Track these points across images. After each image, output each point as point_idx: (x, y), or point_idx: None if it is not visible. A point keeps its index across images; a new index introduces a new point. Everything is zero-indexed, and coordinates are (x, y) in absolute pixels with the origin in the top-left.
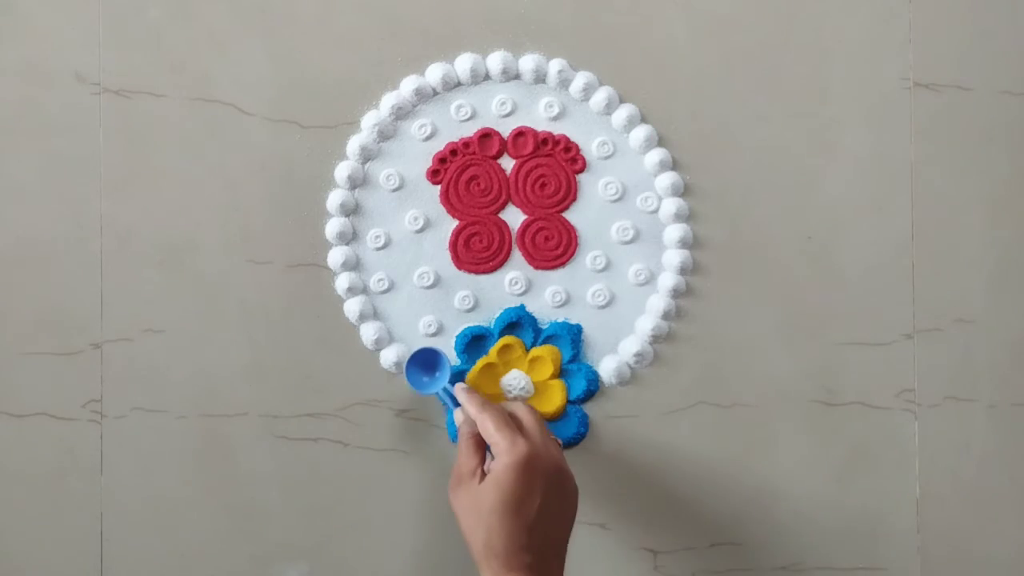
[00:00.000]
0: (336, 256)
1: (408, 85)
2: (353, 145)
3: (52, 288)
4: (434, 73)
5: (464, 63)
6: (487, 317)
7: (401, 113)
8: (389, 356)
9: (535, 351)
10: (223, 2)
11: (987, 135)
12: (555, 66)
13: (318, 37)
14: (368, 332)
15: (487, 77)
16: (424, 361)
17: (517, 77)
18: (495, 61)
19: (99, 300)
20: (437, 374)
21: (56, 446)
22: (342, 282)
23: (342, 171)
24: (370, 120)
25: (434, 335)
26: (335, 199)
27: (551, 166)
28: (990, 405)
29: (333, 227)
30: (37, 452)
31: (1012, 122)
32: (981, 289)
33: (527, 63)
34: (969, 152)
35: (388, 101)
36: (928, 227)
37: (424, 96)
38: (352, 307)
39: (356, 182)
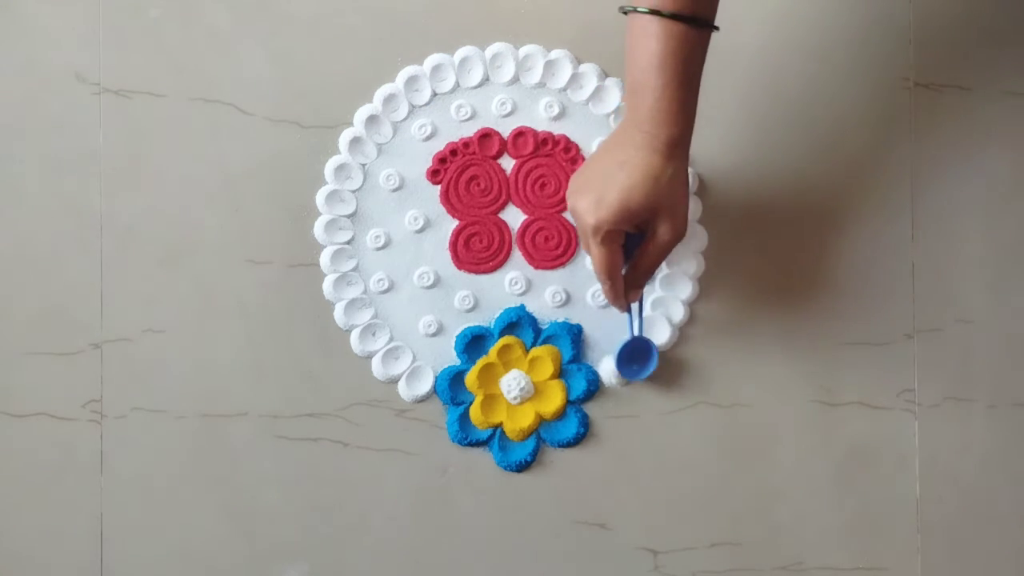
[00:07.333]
0: (326, 256)
1: (408, 84)
2: (353, 145)
3: (52, 288)
4: (434, 72)
5: (464, 63)
6: (487, 317)
7: (401, 113)
8: (377, 364)
9: (535, 351)
10: (223, 2)
11: (987, 135)
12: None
13: (318, 37)
14: (356, 338)
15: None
16: (633, 352)
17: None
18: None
19: (99, 300)
20: (648, 363)
21: (56, 446)
22: (328, 284)
23: (341, 171)
24: (370, 120)
25: (434, 335)
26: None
27: (551, 166)
28: (990, 405)
29: (322, 224)
30: (37, 452)
31: (1012, 122)
32: (981, 289)
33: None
34: (969, 152)
35: (387, 101)
36: (928, 227)
37: (424, 96)
38: (339, 310)
39: (356, 182)
